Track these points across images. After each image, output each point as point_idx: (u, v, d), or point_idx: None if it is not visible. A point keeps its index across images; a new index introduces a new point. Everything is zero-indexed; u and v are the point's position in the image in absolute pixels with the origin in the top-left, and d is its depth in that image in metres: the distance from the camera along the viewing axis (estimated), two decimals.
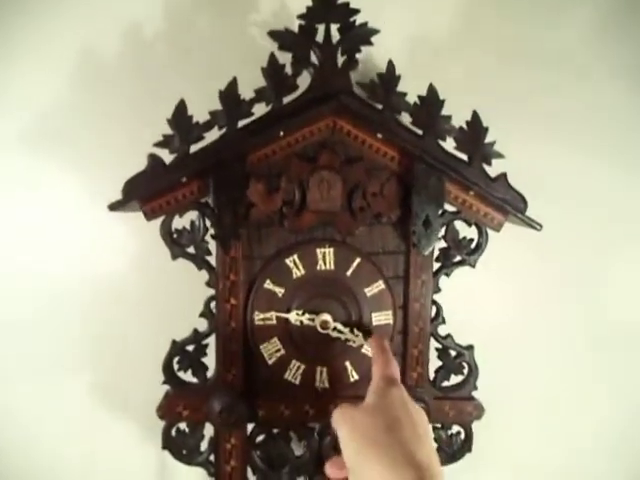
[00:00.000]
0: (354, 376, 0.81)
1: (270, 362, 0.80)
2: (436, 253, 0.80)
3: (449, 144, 0.75)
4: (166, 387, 0.81)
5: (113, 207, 0.73)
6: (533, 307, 0.96)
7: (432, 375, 0.83)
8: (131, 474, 0.97)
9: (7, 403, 0.94)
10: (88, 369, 0.94)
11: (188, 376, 0.81)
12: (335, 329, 0.77)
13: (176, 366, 0.80)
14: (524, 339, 0.97)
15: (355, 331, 0.78)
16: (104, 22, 0.90)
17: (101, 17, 0.90)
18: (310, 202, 0.76)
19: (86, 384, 0.95)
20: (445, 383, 0.84)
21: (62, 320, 0.93)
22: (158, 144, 0.73)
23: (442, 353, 0.83)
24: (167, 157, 0.73)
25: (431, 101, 0.74)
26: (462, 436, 0.84)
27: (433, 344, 0.82)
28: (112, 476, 0.97)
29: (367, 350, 0.80)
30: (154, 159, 0.73)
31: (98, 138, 0.90)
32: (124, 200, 0.73)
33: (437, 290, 0.81)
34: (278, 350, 0.79)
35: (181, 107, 0.73)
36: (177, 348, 0.80)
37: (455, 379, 0.84)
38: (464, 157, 0.75)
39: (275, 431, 0.83)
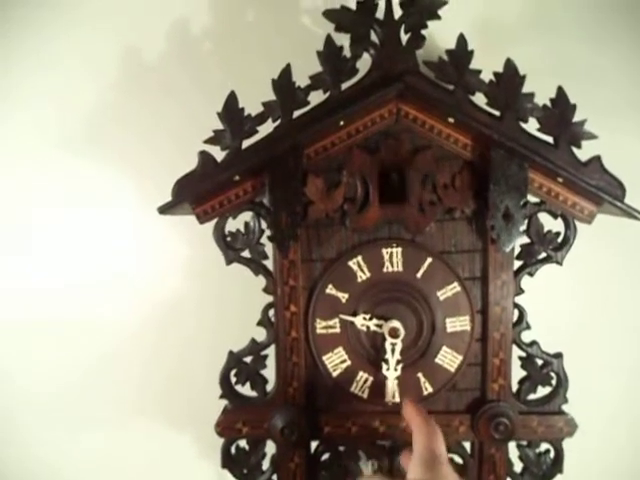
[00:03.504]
0: (428, 389, 0.74)
1: (335, 374, 0.73)
2: (517, 250, 0.72)
3: (531, 125, 0.67)
4: (224, 402, 0.76)
5: (163, 210, 0.68)
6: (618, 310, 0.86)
7: (515, 387, 0.75)
8: None
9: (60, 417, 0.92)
10: (145, 383, 0.91)
11: (247, 390, 0.76)
12: None
13: (234, 379, 0.75)
14: (610, 344, 0.86)
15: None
16: (148, 20, 0.86)
17: (145, 15, 0.86)
18: (375, 197, 0.70)
19: (142, 397, 0.91)
20: (531, 396, 0.75)
21: (117, 330, 0.90)
22: (208, 140, 0.68)
23: (527, 362, 0.75)
24: (218, 154, 0.69)
25: (510, 77, 0.65)
26: (552, 455, 0.76)
27: (516, 352, 0.74)
28: None
29: (441, 360, 0.73)
30: (205, 157, 0.68)
31: (146, 140, 0.87)
32: (174, 202, 0.68)
33: (519, 292, 0.72)
34: (343, 361, 0.73)
35: (232, 99, 0.68)
36: (234, 360, 0.75)
37: (541, 391, 0.76)
38: (549, 140, 0.67)
39: (341, 449, 0.76)
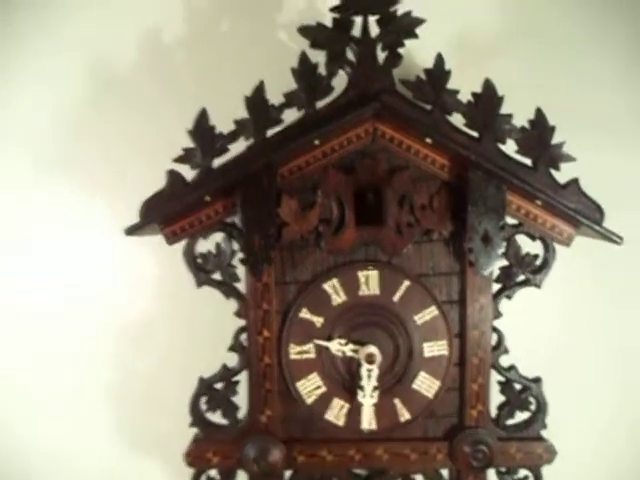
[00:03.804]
0: (405, 415, 0.71)
1: (309, 401, 0.71)
2: (495, 273, 0.70)
3: (510, 147, 0.66)
4: (194, 430, 0.73)
5: (130, 231, 0.65)
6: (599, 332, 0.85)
7: (493, 412, 0.73)
8: None
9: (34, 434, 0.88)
10: (111, 409, 0.88)
11: (218, 417, 0.73)
12: None
13: (204, 406, 0.72)
14: (590, 368, 0.85)
15: None
16: (118, 28, 0.83)
17: (115, 23, 0.83)
18: (350, 218, 0.68)
19: (110, 424, 0.88)
20: (510, 421, 0.73)
21: (84, 354, 0.87)
22: (178, 159, 0.65)
23: (505, 387, 0.73)
24: (188, 173, 0.66)
25: (488, 98, 0.64)
26: None
27: (495, 377, 0.72)
28: None
29: (418, 386, 0.71)
30: (174, 176, 0.65)
31: (115, 158, 0.84)
32: (142, 223, 0.65)
33: (498, 315, 0.71)
34: (318, 387, 0.71)
35: (202, 117, 0.65)
36: (205, 386, 0.72)
37: (520, 416, 0.74)
38: (528, 162, 0.66)
39: (316, 479, 0.73)
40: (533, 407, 0.73)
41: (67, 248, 0.86)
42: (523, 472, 0.74)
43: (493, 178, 0.65)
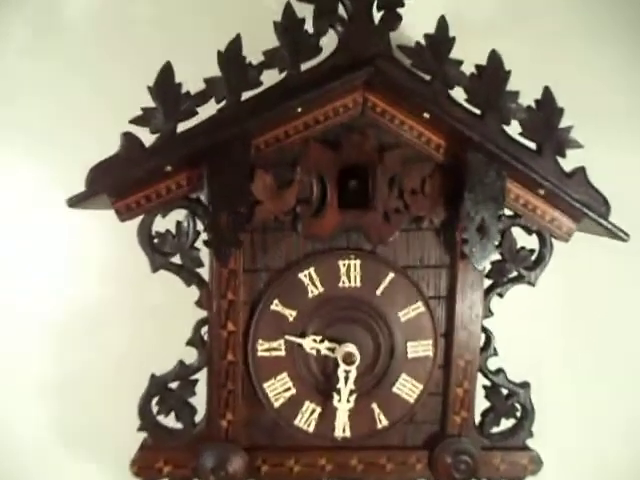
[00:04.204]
0: (382, 421, 0.65)
1: (277, 404, 0.64)
2: (486, 268, 0.64)
3: (511, 130, 0.59)
4: (143, 434, 0.65)
5: (74, 202, 0.55)
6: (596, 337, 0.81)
7: (477, 419, 0.67)
8: None
9: None
10: (51, 409, 0.78)
11: (171, 420, 0.65)
12: None
13: (156, 408, 0.64)
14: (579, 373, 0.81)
15: None
16: None
17: None
18: (333, 200, 0.60)
19: (49, 426, 0.79)
20: (494, 429, 0.68)
21: (20, 348, 0.77)
22: (135, 120, 0.56)
23: (491, 392, 0.68)
24: (148, 138, 0.57)
25: (493, 71, 0.58)
26: None
27: (480, 380, 0.66)
28: None
29: (399, 389, 0.64)
30: (129, 140, 0.56)
31: (59, 115, 0.73)
32: (88, 193, 0.56)
33: (488, 314, 0.65)
34: (288, 389, 0.64)
35: (167, 72, 0.56)
36: (157, 385, 0.64)
37: (504, 423, 0.68)
38: (532, 146, 0.60)
39: None
40: (519, 414, 0.68)
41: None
42: None
43: (494, 162, 0.59)
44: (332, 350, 0.62)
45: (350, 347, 0.61)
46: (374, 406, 0.64)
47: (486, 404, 0.68)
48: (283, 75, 0.57)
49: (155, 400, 0.64)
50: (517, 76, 0.59)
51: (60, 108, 0.72)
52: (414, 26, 0.59)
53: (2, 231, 0.75)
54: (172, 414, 0.64)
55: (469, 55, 0.57)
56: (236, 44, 0.56)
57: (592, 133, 0.61)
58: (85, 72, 0.72)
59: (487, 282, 0.65)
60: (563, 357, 0.80)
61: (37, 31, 0.72)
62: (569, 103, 0.59)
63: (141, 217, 0.60)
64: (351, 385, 0.61)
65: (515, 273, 0.65)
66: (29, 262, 0.75)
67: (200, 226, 0.61)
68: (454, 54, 0.58)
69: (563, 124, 0.59)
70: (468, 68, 0.57)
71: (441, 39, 0.57)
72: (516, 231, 0.64)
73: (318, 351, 0.62)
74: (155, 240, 0.61)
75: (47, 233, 0.75)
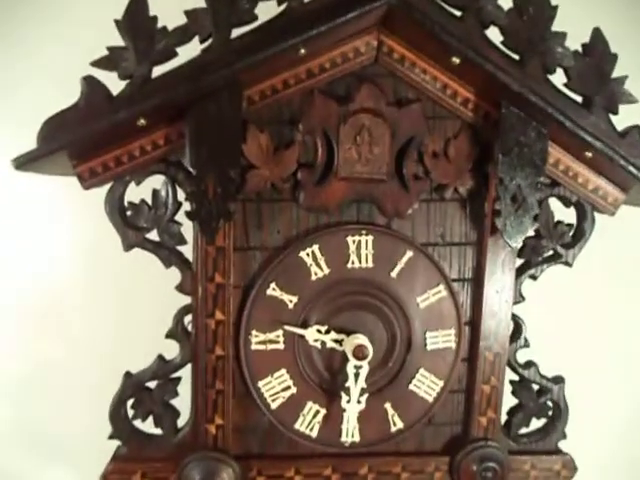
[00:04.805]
0: (397, 424, 0.59)
1: (274, 405, 0.57)
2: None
3: (557, 78, 0.51)
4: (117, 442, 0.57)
5: (21, 163, 0.46)
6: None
7: (503, 418, 0.61)
8: None
9: None
10: (12, 406, 0.71)
11: (150, 426, 0.57)
12: None
13: (131, 411, 0.57)
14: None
15: None
16: None
17: None
18: (341, 164, 0.54)
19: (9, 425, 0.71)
20: (522, 430, 0.61)
21: None
22: (99, 62, 0.47)
23: (521, 388, 0.61)
24: (115, 85, 0.47)
25: (538, 8, 0.50)
26: None
27: (507, 375, 0.60)
28: None
29: (416, 387, 0.57)
30: (92, 85, 0.47)
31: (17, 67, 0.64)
32: (41, 151, 0.47)
33: (519, 299, 0.59)
34: (287, 388, 0.57)
35: (138, 2, 0.47)
36: (133, 385, 0.57)
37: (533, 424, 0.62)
38: (579, 99, 0.52)
39: None
40: (551, 413, 0.61)
41: None
42: None
43: (534, 118, 0.51)
44: (339, 342, 0.56)
45: (361, 338, 0.55)
46: (387, 406, 0.58)
47: (513, 401, 0.61)
48: (282, 7, 0.48)
49: (130, 402, 0.56)
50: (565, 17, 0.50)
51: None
52: None
53: None
54: (150, 418, 0.57)
55: None
56: None
57: None
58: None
59: (518, 262, 0.57)
60: (598, 351, 0.73)
61: None
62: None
63: (110, 184, 0.51)
64: (362, 383, 0.55)
65: (551, 251, 0.58)
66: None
67: (181, 195, 0.53)
68: None
69: (616, 74, 0.51)
70: (507, 3, 0.48)
71: None
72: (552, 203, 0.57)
73: (323, 343, 0.56)
74: (128, 212, 0.53)
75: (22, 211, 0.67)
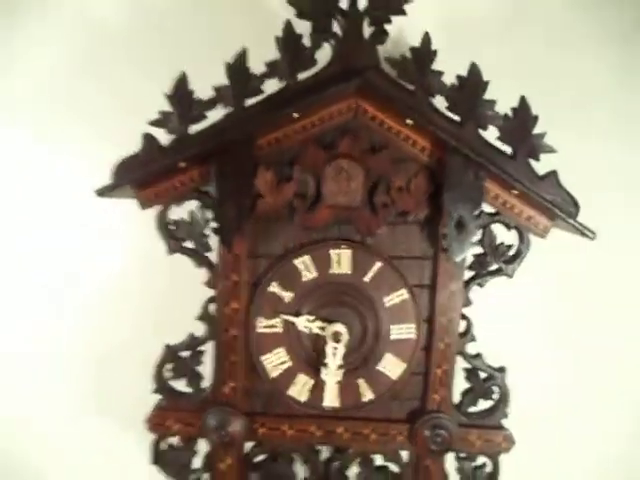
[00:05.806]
0: (367, 395, 0.71)
1: (273, 375, 0.71)
2: (469, 260, 0.70)
3: (490, 134, 0.64)
4: (158, 396, 0.73)
5: (102, 192, 0.64)
6: (571, 329, 0.85)
7: (456, 398, 0.73)
8: None
9: None
10: (76, 369, 0.88)
11: (182, 385, 0.73)
12: None
13: (169, 374, 0.72)
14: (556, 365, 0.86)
15: None
16: None
17: None
18: (326, 195, 0.67)
19: (73, 385, 0.89)
20: (472, 408, 0.73)
21: (53, 318, 0.87)
22: (154, 123, 0.64)
23: (470, 374, 0.73)
24: (165, 138, 0.65)
25: (473, 82, 0.63)
26: (488, 469, 0.74)
27: (460, 364, 0.72)
28: None
29: (383, 367, 0.70)
30: (149, 140, 0.64)
31: (87, 118, 0.83)
32: (114, 184, 0.64)
33: (468, 303, 0.71)
34: (283, 362, 0.70)
35: (182, 81, 0.64)
36: (170, 353, 0.72)
37: (481, 404, 0.74)
38: (508, 150, 0.65)
39: (277, 452, 0.74)
40: (496, 396, 0.73)
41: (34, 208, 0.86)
42: (482, 459, 0.74)
43: (471, 164, 0.64)
44: (323, 329, 0.68)
45: (338, 326, 0.68)
46: (360, 381, 0.70)
47: (466, 386, 0.73)
48: (283, 84, 0.63)
49: (168, 367, 0.71)
50: (505, 78, 0.64)
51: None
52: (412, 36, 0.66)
53: (44, 221, 0.86)
54: (182, 380, 0.72)
55: (461, 58, 0.62)
56: (242, 57, 0.63)
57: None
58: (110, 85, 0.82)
59: (469, 273, 0.70)
60: (542, 347, 0.85)
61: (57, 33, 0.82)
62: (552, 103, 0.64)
63: (159, 206, 0.68)
64: (338, 361, 0.67)
65: (495, 266, 0.70)
66: (72, 244, 0.86)
67: (209, 215, 0.68)
68: (445, 59, 0.63)
69: (537, 130, 0.64)
70: (461, 70, 0.63)
71: (424, 52, 0.63)
72: (497, 228, 0.69)
73: (310, 329, 0.68)
74: (171, 227, 0.68)
75: (84, 219, 0.85)
